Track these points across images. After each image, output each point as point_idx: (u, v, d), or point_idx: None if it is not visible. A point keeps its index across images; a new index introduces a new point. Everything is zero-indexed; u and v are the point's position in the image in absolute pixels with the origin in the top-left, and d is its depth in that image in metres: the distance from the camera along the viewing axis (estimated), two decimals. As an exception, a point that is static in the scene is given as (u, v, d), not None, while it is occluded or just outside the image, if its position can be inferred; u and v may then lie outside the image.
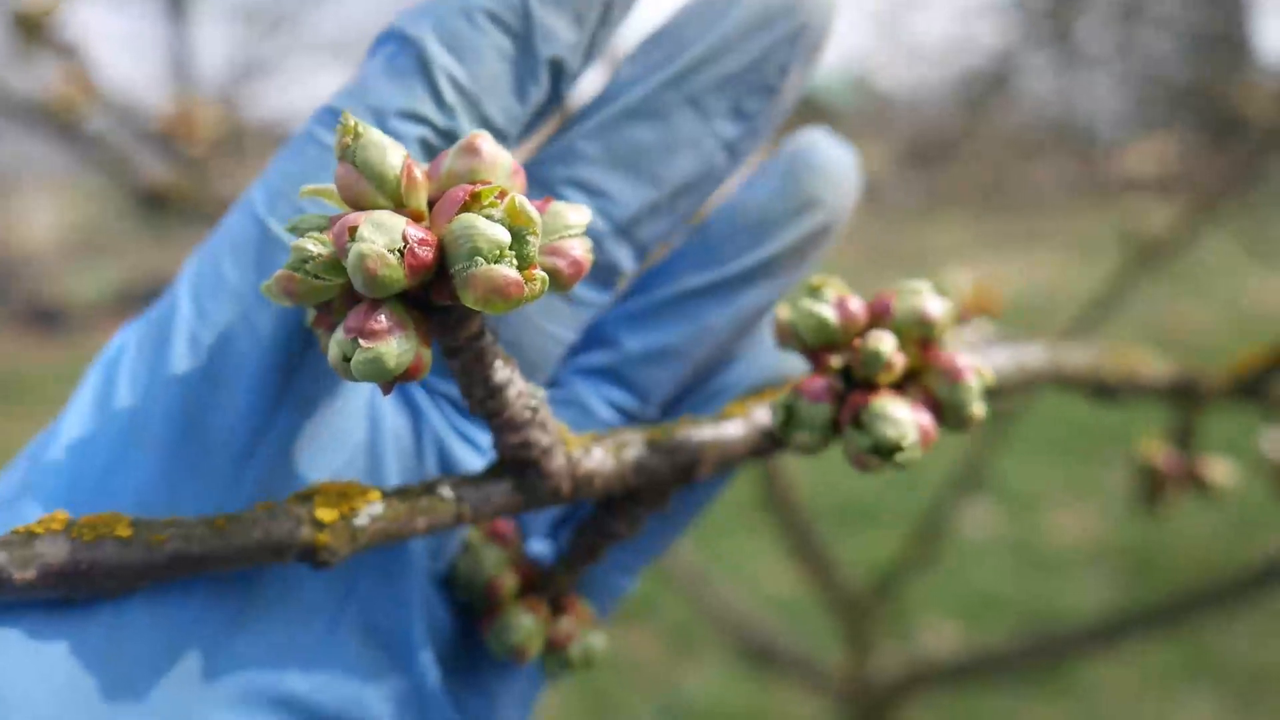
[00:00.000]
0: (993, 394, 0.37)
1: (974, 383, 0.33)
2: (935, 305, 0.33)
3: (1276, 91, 4.95)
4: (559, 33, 0.33)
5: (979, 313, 0.43)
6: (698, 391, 0.42)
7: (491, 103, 0.34)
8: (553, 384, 0.40)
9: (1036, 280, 9.25)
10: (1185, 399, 0.43)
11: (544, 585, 0.40)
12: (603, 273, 0.38)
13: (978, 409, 0.33)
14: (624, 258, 0.38)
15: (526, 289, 0.27)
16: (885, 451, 0.33)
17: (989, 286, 0.44)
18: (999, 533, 4.70)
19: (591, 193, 0.36)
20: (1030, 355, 0.42)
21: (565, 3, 0.33)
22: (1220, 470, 0.43)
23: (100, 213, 10.74)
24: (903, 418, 0.32)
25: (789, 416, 0.35)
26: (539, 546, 0.46)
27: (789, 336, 0.35)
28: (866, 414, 0.32)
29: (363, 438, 0.35)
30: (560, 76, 0.35)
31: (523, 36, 0.33)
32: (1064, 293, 9.74)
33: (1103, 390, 0.42)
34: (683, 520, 0.43)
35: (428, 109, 0.33)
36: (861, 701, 1.05)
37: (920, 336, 0.33)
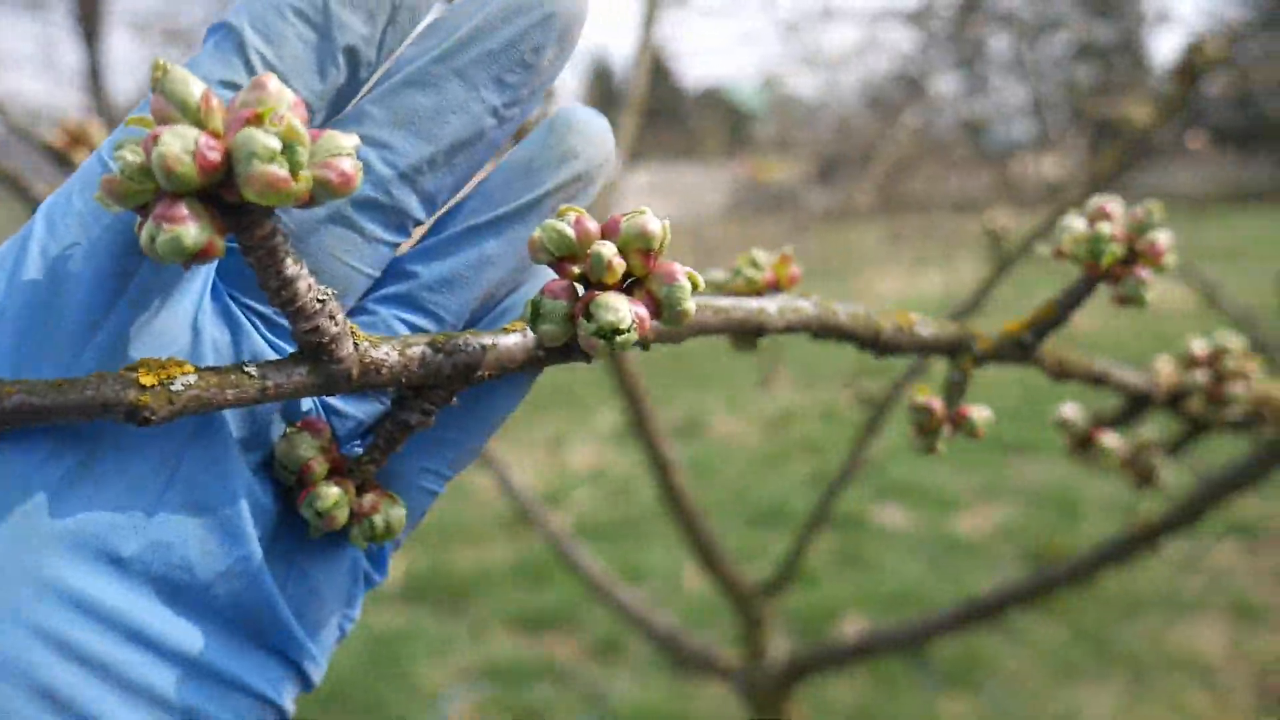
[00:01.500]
0: (763, 333, 0.45)
1: (685, 283, 0.41)
2: (654, 224, 0.41)
3: (1152, 98, 5.18)
4: (354, 26, 0.41)
5: (779, 286, 0.49)
6: (488, 318, 0.50)
7: (296, 79, 0.41)
8: (359, 313, 0.46)
9: (950, 284, 9.52)
10: (960, 354, 0.50)
11: (351, 471, 0.46)
12: (393, 214, 0.44)
13: (690, 306, 0.41)
14: (411, 203, 0.44)
15: (295, 186, 0.34)
16: (607, 335, 0.39)
17: (788, 262, 0.50)
18: (916, 531, 4.84)
19: (377, 146, 0.43)
20: (802, 304, 0.47)
21: (360, 3, 0.41)
22: (980, 415, 0.50)
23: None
24: (621, 307, 0.39)
25: (535, 312, 0.41)
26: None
27: (538, 250, 0.41)
28: (593, 306, 0.39)
29: (186, 343, 0.41)
30: (357, 63, 0.42)
31: (323, 28, 0.40)
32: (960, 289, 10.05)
33: (877, 343, 0.48)
34: (481, 431, 0.48)
35: (242, 79, 0.40)
36: (756, 691, 1.11)
37: (642, 248, 0.40)
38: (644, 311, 0.40)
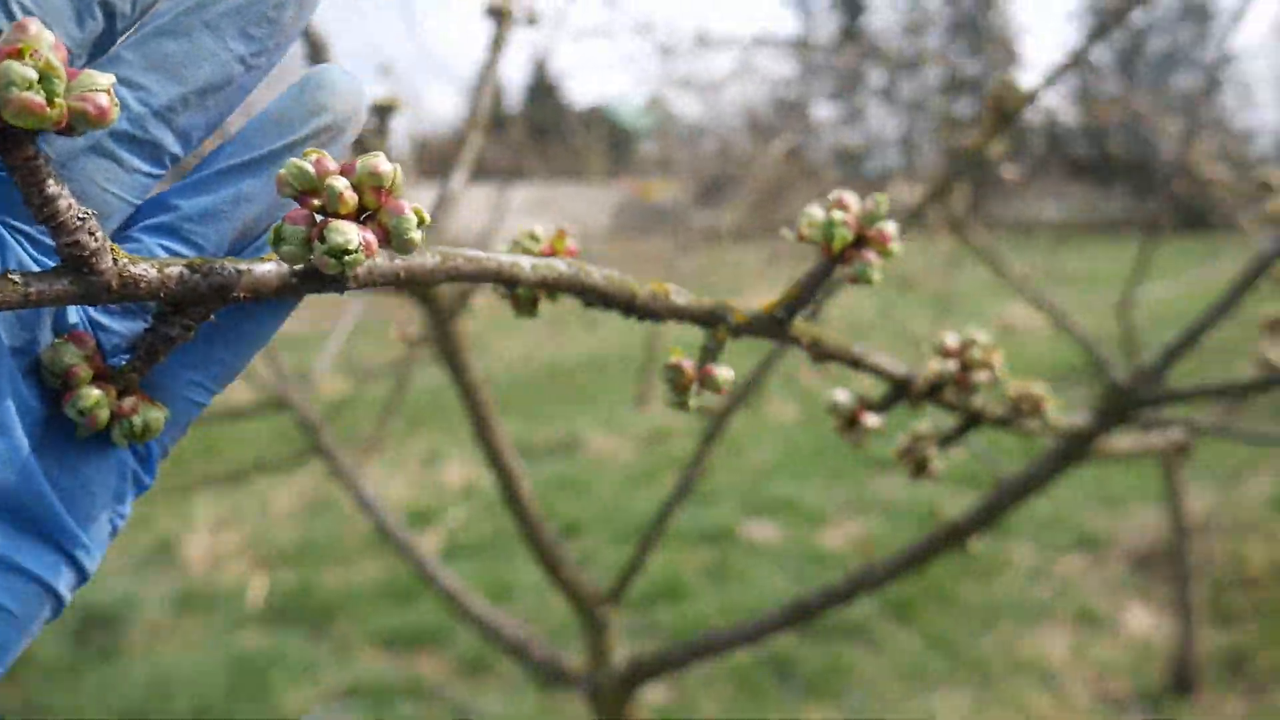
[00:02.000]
0: (513, 283, 0.49)
1: (411, 216, 0.46)
2: (385, 165, 0.46)
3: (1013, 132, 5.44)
4: None
5: (554, 255, 0.53)
6: (248, 251, 0.55)
7: (57, 27, 0.44)
8: (126, 240, 0.50)
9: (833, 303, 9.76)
10: (716, 325, 0.53)
11: (114, 378, 0.49)
12: (149, 148, 0.48)
13: (415, 236, 0.47)
14: (166, 139, 0.48)
15: (50, 112, 0.38)
16: (337, 254, 0.45)
17: (564, 237, 0.53)
18: (784, 545, 4.95)
19: (132, 87, 0.47)
20: (556, 262, 0.50)
21: None
22: (722, 373, 0.53)
23: None
24: (349, 231, 0.44)
25: (278, 236, 0.47)
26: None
27: (283, 185, 0.47)
28: (326, 230, 0.44)
29: None
30: (113, 15, 0.46)
31: None
32: (853, 315, 10.36)
33: (633, 307, 0.51)
34: (245, 351, 0.54)
35: (5, 27, 0.44)
36: (600, 696, 1.14)
37: (374, 185, 0.46)
38: (372, 238, 0.45)
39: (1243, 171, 4.98)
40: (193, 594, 4.40)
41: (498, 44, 1.03)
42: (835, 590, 0.99)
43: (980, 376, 0.64)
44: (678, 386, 0.53)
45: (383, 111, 0.93)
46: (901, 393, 0.65)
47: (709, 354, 0.54)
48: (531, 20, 1.05)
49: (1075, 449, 0.84)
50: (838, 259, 0.52)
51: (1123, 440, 0.89)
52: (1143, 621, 4.01)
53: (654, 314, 0.52)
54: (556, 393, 8.61)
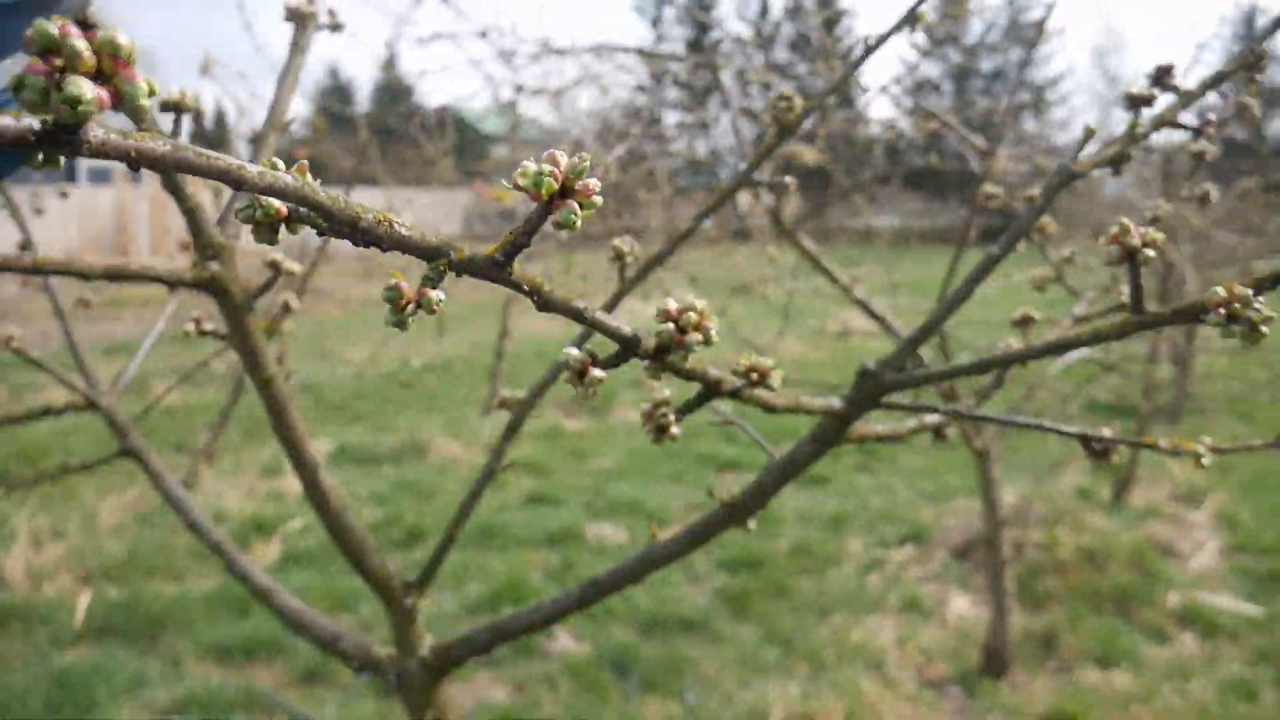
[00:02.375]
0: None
1: (143, 87, 0.50)
2: (124, 37, 0.51)
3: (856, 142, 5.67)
4: None
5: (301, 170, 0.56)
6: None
7: None
8: None
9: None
10: (438, 259, 0.56)
11: None
12: None
13: (144, 103, 0.51)
14: None
15: None
16: (71, 103, 0.48)
17: (305, 169, 0.56)
18: (628, 545, 5.01)
19: None
20: (282, 175, 0.53)
21: None
22: (435, 294, 0.56)
23: None
24: (84, 85, 0.48)
25: (19, 84, 0.49)
26: None
27: (29, 44, 0.49)
28: (64, 83, 0.48)
29: None
30: None
31: None
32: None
33: (355, 230, 0.53)
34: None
35: None
36: (407, 686, 1.15)
37: (112, 53, 0.50)
38: (106, 96, 0.47)
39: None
40: (12, 611, 4.17)
41: (297, 47, 1.03)
42: (624, 569, 1.03)
43: (694, 338, 0.69)
44: (396, 306, 0.56)
45: (172, 109, 0.93)
46: (630, 352, 0.69)
47: (429, 281, 0.56)
48: (335, 26, 1.06)
49: (832, 431, 0.91)
50: (548, 207, 0.56)
51: (879, 425, 0.96)
52: (963, 609, 4.23)
53: (378, 241, 0.54)
54: (403, 398, 8.48)
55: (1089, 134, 0.92)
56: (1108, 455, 0.92)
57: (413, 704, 1.19)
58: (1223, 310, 0.67)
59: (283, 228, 0.56)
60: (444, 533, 1.21)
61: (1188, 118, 0.90)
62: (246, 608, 4.08)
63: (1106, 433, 0.92)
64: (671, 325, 0.71)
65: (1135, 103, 0.87)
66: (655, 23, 42.18)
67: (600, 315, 0.67)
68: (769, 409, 0.79)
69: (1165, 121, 0.88)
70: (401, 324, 0.57)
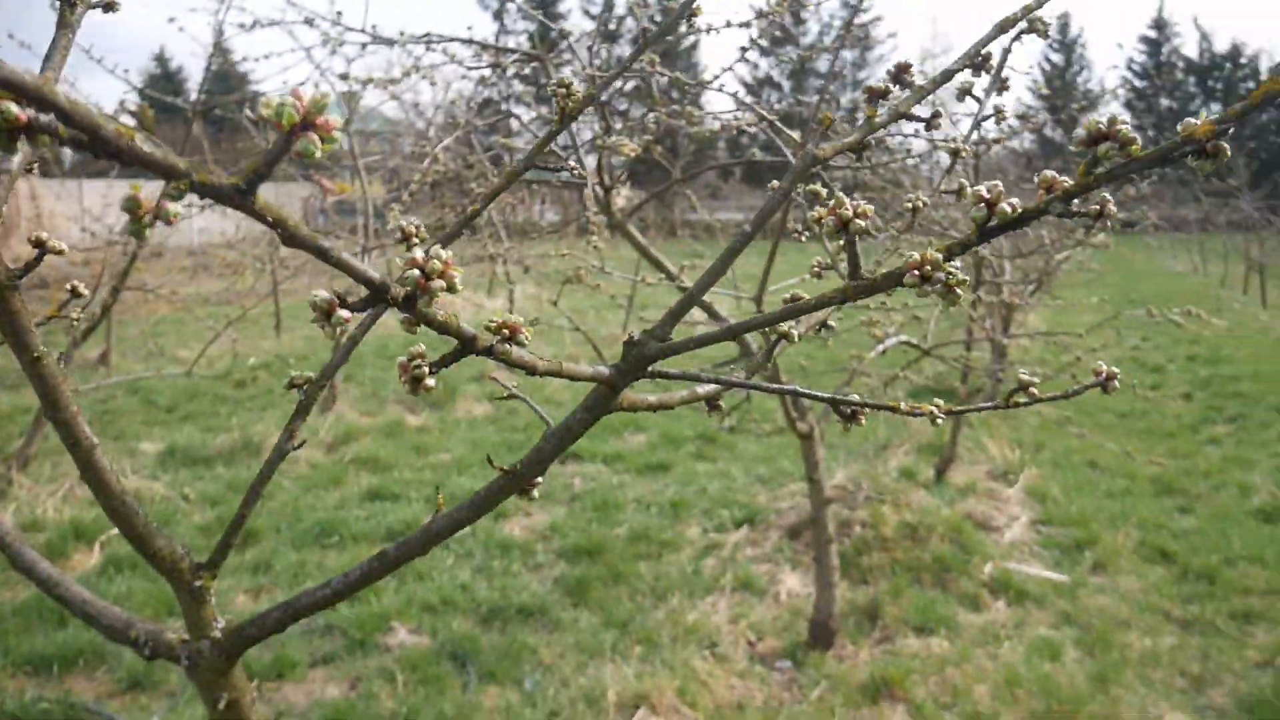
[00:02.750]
0: None
1: None
2: None
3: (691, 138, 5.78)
4: None
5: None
6: None
7: None
8: None
9: (520, 304, 9.94)
10: (178, 181, 0.57)
11: None
12: None
13: None
14: None
15: None
16: None
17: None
18: (470, 538, 5.01)
19: None
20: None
21: None
22: (175, 208, 0.57)
23: None
24: None
25: None
26: None
27: None
28: None
29: None
30: None
31: None
32: (538, 312, 10.59)
33: (94, 140, 0.53)
34: None
35: None
36: (199, 668, 1.15)
37: None
38: None
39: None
40: None
41: (64, 25, 1.01)
42: (410, 542, 1.06)
43: (436, 284, 0.72)
44: (135, 216, 0.56)
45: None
46: (379, 297, 0.72)
47: (169, 195, 0.57)
48: (108, 6, 1.04)
49: (604, 399, 0.96)
50: (289, 137, 0.59)
51: (651, 396, 1.02)
52: (793, 586, 4.40)
53: (118, 155, 0.54)
54: (237, 397, 8.22)
55: (827, 122, 1.00)
56: (856, 418, 1.00)
57: (205, 686, 1.19)
58: (917, 273, 0.75)
59: (22, 138, 0.52)
60: (238, 511, 1.21)
61: (923, 110, 0.99)
62: (66, 617, 3.90)
63: (854, 397, 1.00)
64: (417, 271, 0.73)
65: (873, 96, 0.95)
66: (498, 15, 41.90)
67: (346, 256, 0.69)
68: (531, 371, 0.83)
69: (901, 114, 0.97)
70: (139, 233, 0.57)
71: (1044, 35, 1.08)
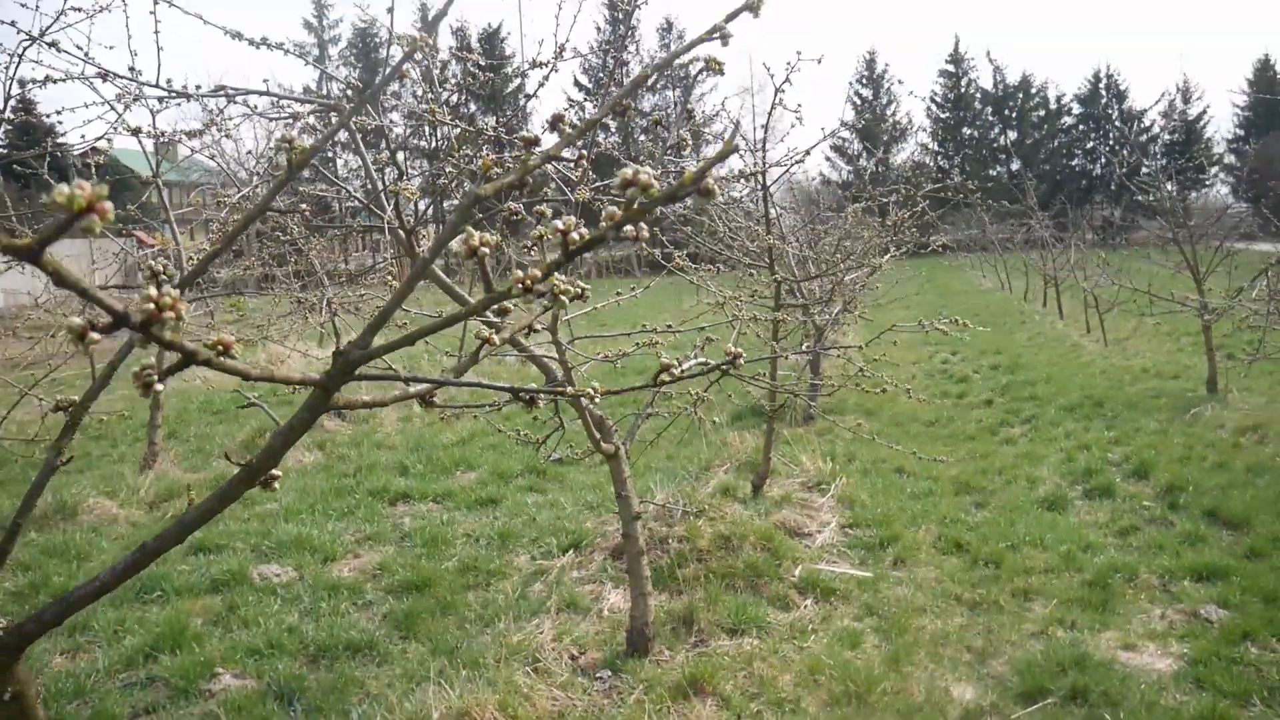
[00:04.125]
0: None
1: None
2: None
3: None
4: None
5: None
6: None
7: None
8: None
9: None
10: None
11: None
12: None
13: None
14: None
15: None
16: None
17: None
18: (297, 583, 5.02)
19: None
20: None
21: None
22: None
23: None
24: None
25: None
26: None
27: None
28: None
29: None
30: None
31: None
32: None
33: None
34: None
35: None
36: None
37: None
38: None
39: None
40: None
41: None
42: (167, 533, 1.19)
43: (168, 315, 0.88)
44: None
45: None
46: (121, 323, 0.88)
47: None
48: None
49: (320, 401, 1.12)
50: (76, 217, 0.75)
51: (365, 395, 1.19)
52: (616, 601, 4.60)
53: None
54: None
55: (487, 167, 1.21)
56: (535, 403, 1.20)
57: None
58: (522, 285, 0.96)
59: None
60: (10, 523, 1.32)
61: (571, 153, 1.21)
62: None
63: (532, 386, 1.20)
64: (152, 305, 0.90)
65: (527, 144, 1.16)
66: (319, 62, 41.39)
67: (97, 292, 0.85)
68: (245, 378, 0.99)
69: (550, 156, 1.18)
70: None
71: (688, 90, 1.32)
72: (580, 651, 4.12)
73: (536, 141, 1.12)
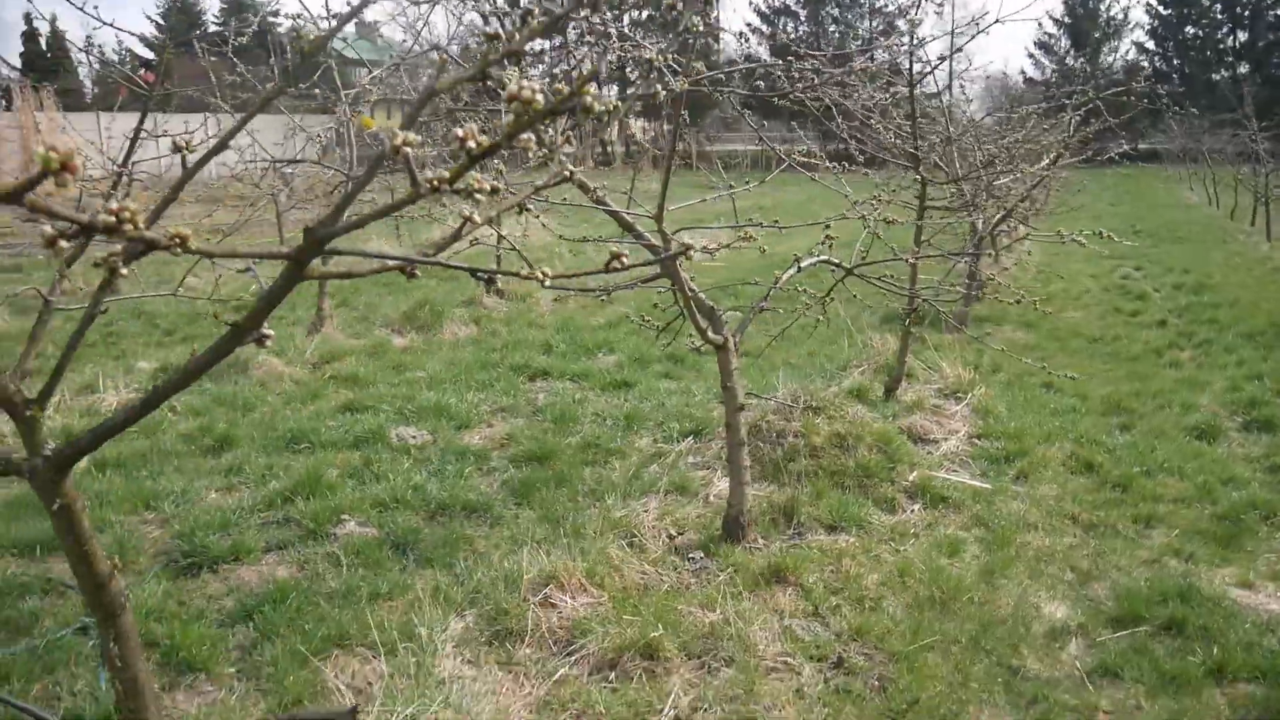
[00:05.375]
0: None
1: None
2: None
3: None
4: None
5: None
6: None
7: None
8: None
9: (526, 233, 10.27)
10: None
11: None
12: None
13: None
14: None
15: None
16: None
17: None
18: (430, 446, 5.37)
19: None
20: None
21: None
22: None
23: None
24: None
25: None
26: None
27: None
28: None
29: None
30: None
31: None
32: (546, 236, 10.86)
33: None
34: None
35: None
36: (37, 479, 1.47)
37: None
38: None
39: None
40: None
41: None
42: (173, 379, 1.33)
43: (127, 226, 0.99)
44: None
45: None
46: (90, 231, 1.00)
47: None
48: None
49: (295, 272, 1.22)
50: (46, 175, 0.88)
51: (338, 268, 1.28)
52: (723, 489, 4.71)
53: None
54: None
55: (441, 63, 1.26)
56: (493, 282, 1.28)
57: (43, 493, 1.51)
58: (430, 184, 1.03)
59: None
60: (61, 357, 1.51)
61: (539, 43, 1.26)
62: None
63: (492, 267, 1.28)
64: (113, 217, 1.01)
65: (489, 39, 1.21)
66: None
67: (57, 207, 0.98)
68: (209, 256, 1.10)
69: (513, 50, 1.23)
70: None
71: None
72: (679, 532, 4.27)
73: (497, 36, 1.17)
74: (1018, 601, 3.78)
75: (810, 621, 3.60)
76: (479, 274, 1.26)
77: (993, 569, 4.03)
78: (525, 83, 0.95)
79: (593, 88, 1.04)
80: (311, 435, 5.35)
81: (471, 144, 1.00)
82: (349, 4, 1.63)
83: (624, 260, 1.24)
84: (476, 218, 1.29)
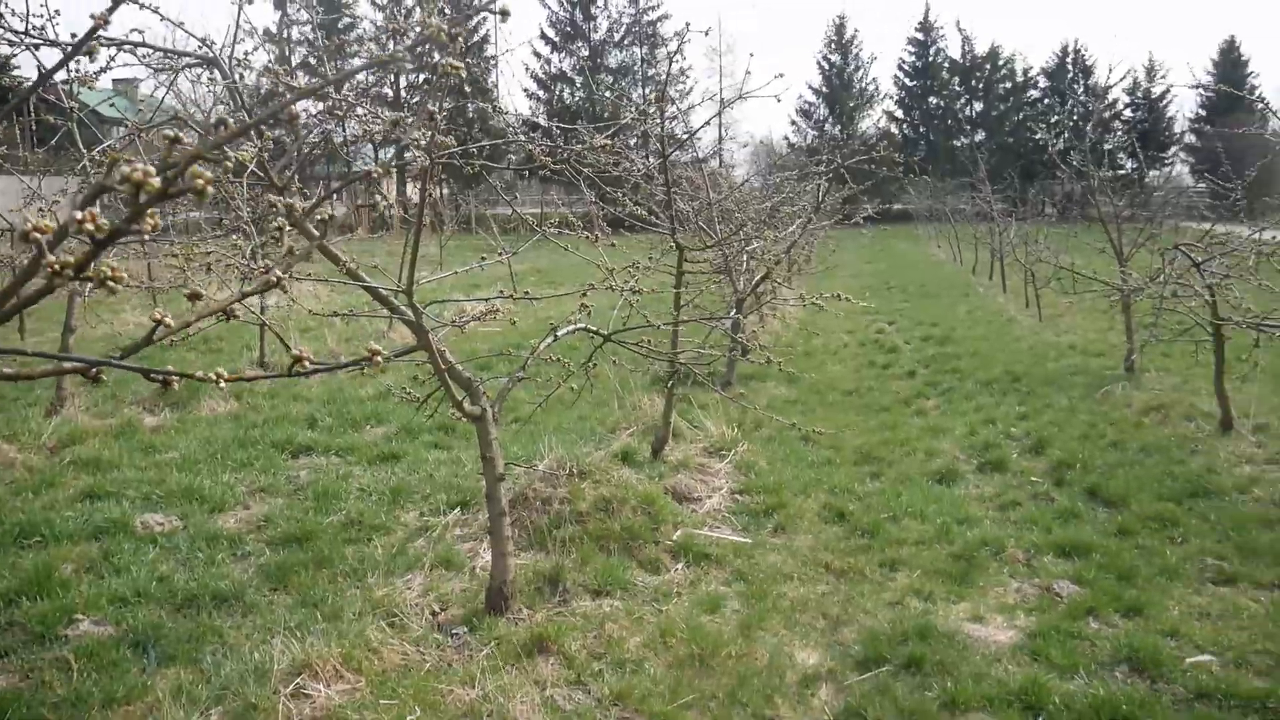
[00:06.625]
0: None
1: None
2: None
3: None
4: None
5: None
6: None
7: None
8: None
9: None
10: None
11: None
12: None
13: None
14: None
15: None
16: None
17: None
18: (179, 532, 5.08)
19: None
20: None
21: None
22: None
23: None
24: None
25: None
26: None
27: None
28: None
29: None
30: None
31: None
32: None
33: None
34: None
35: None
36: None
37: None
38: None
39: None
40: None
41: None
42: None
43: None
44: None
45: None
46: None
47: None
48: None
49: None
50: None
51: (7, 369, 1.23)
52: (489, 561, 4.68)
53: None
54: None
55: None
56: (170, 385, 1.25)
57: None
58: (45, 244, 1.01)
59: None
60: None
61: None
62: None
63: (169, 367, 1.25)
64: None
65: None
66: (280, 5, 41.05)
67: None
68: None
69: (215, 146, 1.23)
70: None
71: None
72: (443, 607, 4.20)
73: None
74: (773, 652, 3.92)
75: (572, 690, 3.61)
76: (152, 375, 1.22)
77: (751, 622, 4.17)
78: (139, 165, 0.95)
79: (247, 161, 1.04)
80: (44, 528, 4.96)
81: (90, 227, 0.98)
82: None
83: (305, 364, 1.24)
84: (170, 321, 1.26)
